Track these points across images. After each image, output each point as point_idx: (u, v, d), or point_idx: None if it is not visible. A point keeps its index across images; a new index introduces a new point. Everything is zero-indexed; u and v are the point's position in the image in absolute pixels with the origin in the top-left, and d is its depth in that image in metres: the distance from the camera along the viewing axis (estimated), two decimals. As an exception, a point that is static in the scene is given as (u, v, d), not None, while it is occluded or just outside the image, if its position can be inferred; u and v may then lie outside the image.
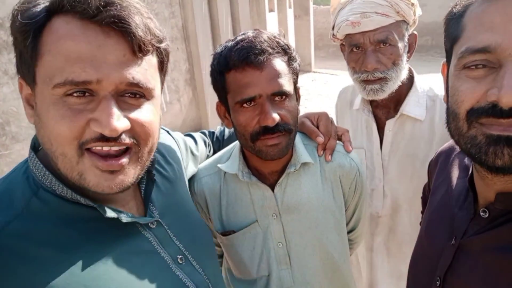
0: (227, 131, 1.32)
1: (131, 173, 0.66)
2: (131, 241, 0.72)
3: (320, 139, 1.08)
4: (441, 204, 0.85)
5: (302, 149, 1.06)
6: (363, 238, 1.32)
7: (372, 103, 1.41)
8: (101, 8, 0.58)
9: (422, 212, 1.13)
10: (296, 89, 1.01)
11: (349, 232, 1.23)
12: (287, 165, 1.05)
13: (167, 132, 1.07)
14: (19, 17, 0.59)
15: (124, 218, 0.69)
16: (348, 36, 1.27)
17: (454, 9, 0.66)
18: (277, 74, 0.92)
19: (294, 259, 1.09)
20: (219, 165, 1.09)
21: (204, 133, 1.29)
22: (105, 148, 0.62)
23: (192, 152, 1.15)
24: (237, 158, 1.07)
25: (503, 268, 0.64)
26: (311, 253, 1.09)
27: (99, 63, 0.59)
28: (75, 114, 0.59)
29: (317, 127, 1.13)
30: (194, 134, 1.25)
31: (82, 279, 0.64)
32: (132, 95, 0.64)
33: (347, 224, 1.19)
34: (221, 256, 1.29)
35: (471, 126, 0.61)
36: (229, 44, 0.94)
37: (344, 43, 1.34)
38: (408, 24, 1.26)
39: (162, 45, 0.68)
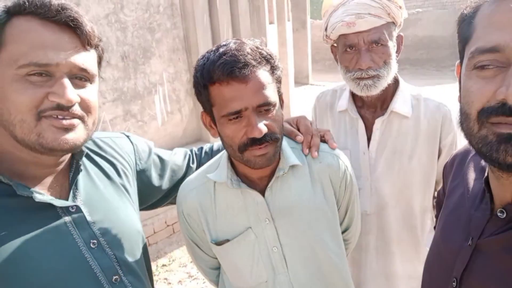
0: (215, 145, 1.36)
1: (81, 133, 0.83)
2: (46, 221, 0.83)
3: (299, 137, 1.12)
4: (457, 206, 0.85)
5: (289, 153, 1.08)
6: (357, 238, 1.33)
7: (357, 103, 1.47)
8: (60, 11, 0.77)
9: (436, 217, 1.14)
10: (279, 96, 1.02)
11: (343, 232, 1.23)
12: (276, 169, 1.06)
13: (127, 137, 1.17)
14: None
15: (38, 198, 0.81)
16: (342, 36, 1.32)
17: (465, 11, 0.67)
18: (261, 86, 0.92)
19: (291, 262, 1.09)
20: (208, 175, 1.10)
21: (191, 149, 1.35)
22: (60, 117, 0.78)
23: (159, 158, 1.22)
24: (225, 166, 1.07)
25: None
26: (307, 256, 1.09)
27: (58, 51, 0.76)
28: (36, 87, 0.75)
29: (298, 130, 1.16)
30: (176, 148, 1.35)
31: None
32: (79, 78, 0.82)
33: (340, 224, 1.19)
34: (217, 268, 1.28)
35: (482, 126, 0.61)
36: (211, 56, 0.93)
37: (335, 44, 1.40)
38: (396, 25, 1.34)
39: (101, 44, 0.88)
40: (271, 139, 0.95)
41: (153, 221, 3.63)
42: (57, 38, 0.77)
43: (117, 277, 0.91)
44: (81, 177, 0.93)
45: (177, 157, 1.27)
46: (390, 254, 1.47)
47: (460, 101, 0.70)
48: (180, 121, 3.88)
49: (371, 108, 1.44)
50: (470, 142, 0.66)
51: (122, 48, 3.29)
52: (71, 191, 0.89)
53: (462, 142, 1.41)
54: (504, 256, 0.67)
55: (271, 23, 4.76)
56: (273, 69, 0.97)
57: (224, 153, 1.12)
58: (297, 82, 10.98)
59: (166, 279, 3.27)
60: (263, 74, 0.93)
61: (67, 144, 0.79)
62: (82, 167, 0.93)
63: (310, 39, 11.71)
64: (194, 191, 1.12)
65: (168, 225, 3.79)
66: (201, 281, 3.22)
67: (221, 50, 0.92)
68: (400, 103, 1.39)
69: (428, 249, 1.48)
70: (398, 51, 1.37)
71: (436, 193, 1.43)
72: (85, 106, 0.82)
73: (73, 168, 0.92)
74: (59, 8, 0.77)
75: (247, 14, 4.13)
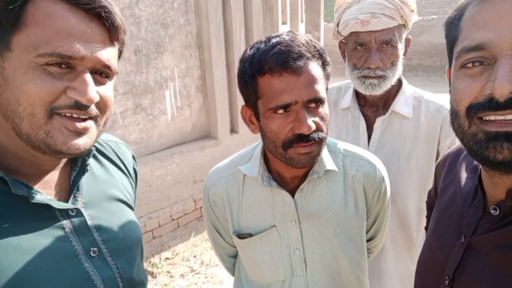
0: None
1: (93, 135, 0.74)
2: (42, 224, 0.73)
3: None
4: (450, 204, 0.85)
5: (326, 156, 1.04)
6: (380, 248, 1.31)
7: (360, 102, 1.49)
8: None
9: (427, 217, 1.14)
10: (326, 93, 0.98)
11: (368, 241, 1.21)
12: (310, 170, 1.02)
13: (134, 158, 1.07)
14: None
15: (35, 198, 0.71)
16: (354, 34, 1.34)
17: (452, 14, 0.70)
18: (313, 80, 0.88)
19: (311, 266, 1.07)
20: (239, 167, 1.07)
21: None
22: (75, 115, 0.70)
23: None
24: (258, 161, 1.04)
25: None
26: (329, 262, 1.07)
27: (85, 42, 0.67)
28: (55, 80, 0.66)
29: None
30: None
31: None
32: (100, 73, 0.73)
33: (367, 233, 1.17)
34: (234, 256, 1.27)
35: (471, 123, 0.63)
36: (262, 46, 0.90)
37: (344, 41, 1.42)
38: (406, 28, 1.35)
39: (125, 37, 0.79)
40: (318, 137, 0.90)
41: (158, 215, 3.67)
42: (86, 28, 0.68)
43: None
44: (85, 177, 0.84)
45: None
46: (384, 251, 1.48)
47: (450, 102, 0.71)
48: (190, 117, 3.91)
49: (373, 107, 1.46)
50: (462, 141, 0.67)
51: (135, 42, 3.34)
52: (73, 193, 0.80)
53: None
54: (497, 253, 0.67)
55: (284, 23, 4.77)
56: (324, 64, 0.94)
57: (257, 147, 1.09)
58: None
59: (168, 272, 3.30)
60: (315, 67, 0.89)
61: (78, 149, 0.71)
62: (88, 168, 0.84)
63: (323, 42, 11.67)
64: (223, 180, 1.11)
65: (173, 219, 3.82)
66: (203, 275, 3.24)
67: (273, 40, 0.89)
68: (402, 104, 1.40)
69: None
70: (405, 54, 1.39)
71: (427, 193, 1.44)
72: (102, 105, 0.74)
73: (77, 167, 0.82)
74: None
75: (260, 13, 4.14)
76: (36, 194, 0.72)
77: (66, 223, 0.76)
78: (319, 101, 0.90)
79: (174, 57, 3.66)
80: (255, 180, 1.05)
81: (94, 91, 0.69)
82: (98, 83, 0.72)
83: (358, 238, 1.10)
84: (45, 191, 0.76)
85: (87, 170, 0.83)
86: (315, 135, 0.90)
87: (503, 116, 0.58)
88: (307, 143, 0.90)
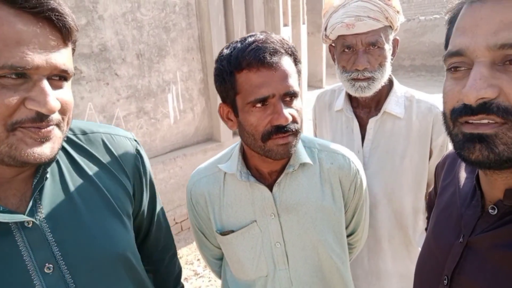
0: None
1: (58, 140, 0.71)
2: None
3: None
4: (449, 204, 0.86)
5: (301, 150, 1.09)
6: (363, 244, 1.33)
7: (353, 103, 1.52)
8: (41, 0, 0.63)
9: (428, 218, 1.14)
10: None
11: (349, 236, 1.24)
12: (286, 165, 1.07)
13: (138, 152, 0.97)
14: None
15: None
16: (341, 37, 1.37)
17: (448, 17, 0.73)
18: (288, 74, 0.94)
19: (292, 259, 1.10)
20: (219, 165, 1.12)
21: None
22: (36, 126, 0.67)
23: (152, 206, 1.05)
24: (236, 158, 1.09)
25: None
26: (309, 254, 1.10)
27: (37, 50, 0.63)
28: (10, 92, 0.62)
29: None
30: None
31: None
32: (57, 77, 0.69)
33: (347, 227, 1.20)
34: (220, 258, 1.31)
35: (454, 125, 0.66)
36: (239, 45, 0.95)
37: (334, 44, 1.45)
38: (393, 29, 1.38)
39: (77, 35, 0.74)
40: (294, 128, 0.96)
41: (162, 218, 3.67)
42: (36, 34, 0.63)
43: None
44: (50, 184, 0.78)
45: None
46: (381, 252, 1.49)
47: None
48: (192, 120, 3.92)
49: (366, 108, 1.48)
50: (450, 140, 0.70)
51: (137, 47, 3.35)
52: (31, 202, 0.74)
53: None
54: (495, 253, 0.68)
55: (285, 25, 4.78)
56: (296, 61, 0.99)
57: (236, 145, 1.13)
58: (310, 86, 10.96)
59: (172, 275, 3.29)
60: (289, 63, 0.95)
61: (46, 157, 0.68)
62: (48, 175, 0.78)
63: (325, 43, 11.67)
64: (204, 179, 1.15)
65: (176, 223, 3.82)
66: (207, 279, 3.24)
67: (249, 39, 0.94)
68: (393, 104, 1.43)
69: (420, 249, 1.49)
70: (393, 54, 1.41)
71: (427, 194, 1.44)
72: (63, 110, 0.71)
73: (39, 174, 0.76)
74: None
75: (261, 15, 4.15)
76: None
77: (19, 236, 0.71)
78: (293, 95, 0.95)
79: (176, 61, 3.67)
80: (235, 177, 1.09)
81: (54, 99, 0.66)
82: (55, 87, 0.69)
83: (337, 230, 1.13)
84: (2, 202, 0.72)
85: (47, 177, 0.77)
86: (292, 126, 0.95)
87: (478, 120, 0.61)
88: (285, 134, 0.94)
